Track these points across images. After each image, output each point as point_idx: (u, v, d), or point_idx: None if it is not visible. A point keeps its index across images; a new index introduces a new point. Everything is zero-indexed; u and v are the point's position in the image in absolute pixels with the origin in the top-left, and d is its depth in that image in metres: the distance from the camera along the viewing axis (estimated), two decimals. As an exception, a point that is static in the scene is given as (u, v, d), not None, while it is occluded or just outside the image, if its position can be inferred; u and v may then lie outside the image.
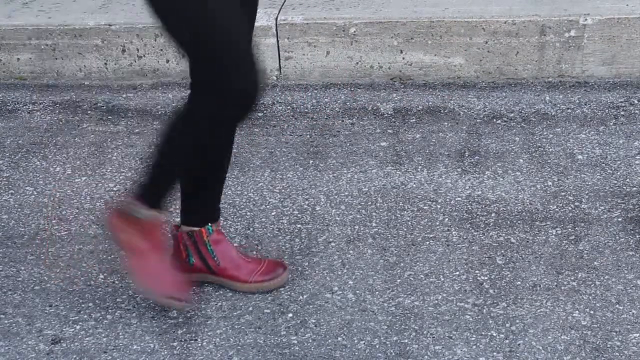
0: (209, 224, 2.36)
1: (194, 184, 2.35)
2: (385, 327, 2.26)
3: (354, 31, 3.53)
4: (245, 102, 2.06)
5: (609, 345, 2.16)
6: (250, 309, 2.34)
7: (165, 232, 2.40)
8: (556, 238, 2.57)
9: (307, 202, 2.80)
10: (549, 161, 2.96)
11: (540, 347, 2.17)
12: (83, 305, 2.38)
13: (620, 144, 3.04)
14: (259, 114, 3.36)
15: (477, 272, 2.44)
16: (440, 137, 3.14)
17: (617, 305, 2.30)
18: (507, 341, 2.19)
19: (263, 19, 3.57)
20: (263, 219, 2.72)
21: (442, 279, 2.42)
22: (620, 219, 2.64)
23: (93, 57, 3.68)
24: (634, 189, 2.79)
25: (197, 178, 2.34)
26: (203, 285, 2.43)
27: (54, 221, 2.76)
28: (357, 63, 3.58)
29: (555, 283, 2.39)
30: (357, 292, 2.39)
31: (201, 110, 2.11)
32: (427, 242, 2.57)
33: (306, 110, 3.38)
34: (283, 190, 2.87)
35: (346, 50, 3.56)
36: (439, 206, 2.74)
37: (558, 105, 3.32)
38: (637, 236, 2.56)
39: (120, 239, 2.29)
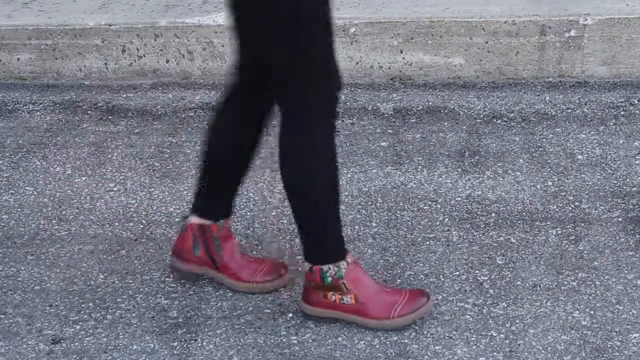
0: (221, 220, 2.35)
1: (219, 179, 2.32)
2: (385, 327, 2.26)
3: (354, 31, 3.53)
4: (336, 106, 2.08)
5: (609, 345, 2.16)
6: (250, 309, 2.34)
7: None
8: (556, 238, 2.57)
9: (307, 202, 2.80)
10: (549, 161, 2.95)
11: (540, 347, 2.17)
12: (83, 305, 2.38)
13: (620, 144, 3.04)
14: (259, 114, 3.36)
15: (477, 272, 2.44)
16: (440, 137, 3.14)
17: (617, 305, 2.30)
18: (507, 341, 2.19)
19: (263, 19, 3.56)
20: (263, 219, 2.72)
21: (442, 279, 2.42)
22: (620, 219, 2.64)
23: (93, 57, 3.68)
24: (634, 189, 2.79)
25: (222, 174, 2.31)
26: (203, 285, 2.43)
27: (54, 221, 2.76)
28: (357, 63, 3.58)
29: (555, 283, 2.39)
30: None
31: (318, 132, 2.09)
32: (427, 242, 2.57)
33: (306, 110, 3.38)
34: (283, 190, 2.86)
35: (346, 50, 3.56)
36: (439, 206, 2.74)
37: (558, 105, 3.32)
38: (637, 236, 2.56)
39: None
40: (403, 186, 2.86)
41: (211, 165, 2.30)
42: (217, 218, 2.34)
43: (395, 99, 3.44)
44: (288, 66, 2.02)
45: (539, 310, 2.29)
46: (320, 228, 2.16)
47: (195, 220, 2.36)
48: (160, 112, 3.43)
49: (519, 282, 2.40)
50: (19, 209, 2.83)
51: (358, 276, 2.20)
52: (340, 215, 2.18)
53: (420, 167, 2.96)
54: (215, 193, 2.34)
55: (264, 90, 2.18)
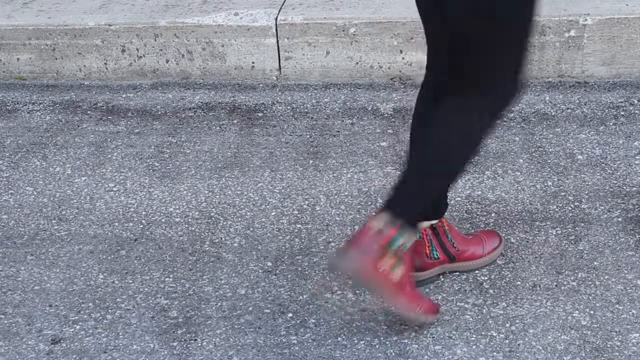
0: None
1: (449, 179, 2.19)
2: (385, 327, 2.26)
3: (354, 31, 3.53)
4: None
5: (609, 345, 2.16)
6: (250, 309, 2.34)
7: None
8: (556, 238, 2.57)
9: (307, 202, 2.80)
10: (549, 161, 2.95)
11: (540, 347, 2.17)
12: (83, 305, 2.38)
13: (620, 144, 3.04)
14: (259, 114, 3.36)
15: (477, 272, 2.44)
16: (440, 137, 3.14)
17: (617, 305, 2.30)
18: (507, 341, 2.19)
19: (263, 19, 3.57)
20: (263, 219, 2.72)
21: (442, 279, 2.42)
22: (620, 219, 2.64)
23: (93, 57, 3.68)
24: (634, 189, 2.79)
25: (456, 174, 2.20)
26: (203, 285, 2.43)
27: (53, 221, 2.76)
28: (357, 63, 3.58)
29: (555, 283, 2.39)
30: (357, 292, 2.39)
31: (483, 109, 2.07)
32: (427, 242, 2.57)
33: (306, 110, 3.38)
34: (283, 190, 2.87)
35: (346, 50, 3.56)
36: (438, 206, 2.74)
37: (558, 105, 3.32)
38: (637, 236, 2.56)
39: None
40: (403, 186, 2.86)
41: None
42: (442, 213, 2.36)
43: (395, 99, 3.44)
44: (485, 52, 1.99)
45: (538, 310, 2.29)
46: (443, 187, 2.23)
47: (425, 224, 2.32)
48: (160, 112, 3.43)
49: (519, 282, 2.40)
50: (19, 209, 2.83)
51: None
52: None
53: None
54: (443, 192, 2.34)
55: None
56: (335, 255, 2.12)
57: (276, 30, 3.56)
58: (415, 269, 2.31)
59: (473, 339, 2.21)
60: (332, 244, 2.58)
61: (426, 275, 2.37)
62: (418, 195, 2.11)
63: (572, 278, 2.40)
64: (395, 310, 2.14)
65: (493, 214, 2.69)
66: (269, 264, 2.52)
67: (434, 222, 2.34)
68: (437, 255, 2.37)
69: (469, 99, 2.05)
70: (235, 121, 3.32)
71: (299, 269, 2.48)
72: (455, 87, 2.07)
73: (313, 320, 2.29)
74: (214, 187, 2.90)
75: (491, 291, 2.37)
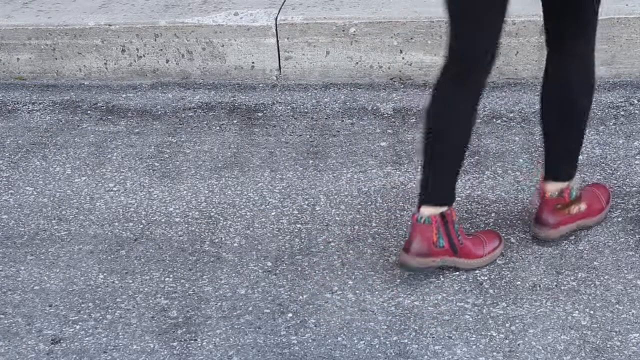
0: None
1: (453, 162, 2.38)
2: (385, 327, 2.26)
3: (354, 31, 3.53)
4: None
5: (608, 345, 2.16)
6: (250, 309, 2.34)
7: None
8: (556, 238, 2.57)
9: (307, 202, 2.80)
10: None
11: (540, 347, 2.17)
12: (83, 305, 2.38)
13: (620, 144, 3.04)
14: (259, 114, 3.36)
15: (477, 272, 2.44)
16: (440, 137, 3.14)
17: (617, 305, 2.30)
18: (507, 341, 2.19)
19: (263, 19, 3.57)
20: (263, 219, 2.72)
21: (442, 279, 2.42)
22: (620, 219, 2.64)
23: (93, 57, 3.68)
24: (634, 189, 2.79)
25: (457, 156, 2.37)
26: (203, 285, 2.43)
27: (53, 221, 2.76)
28: (357, 63, 3.58)
29: (555, 283, 2.39)
30: (357, 292, 2.39)
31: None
32: (427, 242, 2.57)
33: (306, 110, 3.38)
34: (283, 190, 2.87)
35: (346, 50, 3.56)
36: (438, 206, 2.74)
37: (558, 105, 3.32)
38: (637, 236, 2.56)
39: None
40: (403, 186, 2.86)
41: (447, 149, 2.33)
42: (451, 202, 2.38)
43: (395, 99, 3.44)
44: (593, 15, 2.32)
45: (538, 310, 2.29)
46: (578, 146, 2.49)
47: (433, 210, 2.36)
48: (160, 112, 3.43)
49: (519, 282, 2.40)
50: (19, 209, 2.83)
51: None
52: None
53: (420, 167, 2.96)
54: (449, 177, 2.37)
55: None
56: (535, 226, 2.52)
57: (276, 30, 3.56)
58: (420, 255, 2.34)
59: (473, 339, 2.21)
60: (332, 244, 2.59)
61: (429, 262, 2.37)
62: (573, 155, 2.49)
63: (572, 278, 2.40)
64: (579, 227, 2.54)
65: (493, 214, 2.69)
66: (269, 264, 2.52)
67: (444, 209, 2.35)
68: (442, 243, 2.37)
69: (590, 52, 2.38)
70: (235, 121, 3.32)
71: (299, 269, 2.48)
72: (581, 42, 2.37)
73: (313, 320, 2.29)
74: (214, 187, 2.90)
75: (491, 291, 2.37)
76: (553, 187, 2.49)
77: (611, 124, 3.17)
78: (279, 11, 3.62)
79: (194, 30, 3.59)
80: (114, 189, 2.93)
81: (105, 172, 3.02)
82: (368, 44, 3.54)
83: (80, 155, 3.14)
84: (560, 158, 2.50)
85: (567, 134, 2.45)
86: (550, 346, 2.17)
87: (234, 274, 2.48)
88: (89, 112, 3.46)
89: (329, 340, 2.22)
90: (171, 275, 2.48)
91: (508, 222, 2.65)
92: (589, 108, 2.45)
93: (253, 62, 3.61)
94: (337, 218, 2.71)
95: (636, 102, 3.33)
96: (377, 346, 2.19)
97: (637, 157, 2.96)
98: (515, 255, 2.50)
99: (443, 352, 2.17)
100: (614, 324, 2.23)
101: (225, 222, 2.71)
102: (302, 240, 2.61)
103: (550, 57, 2.39)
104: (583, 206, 2.54)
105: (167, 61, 3.65)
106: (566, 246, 2.53)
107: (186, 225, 2.71)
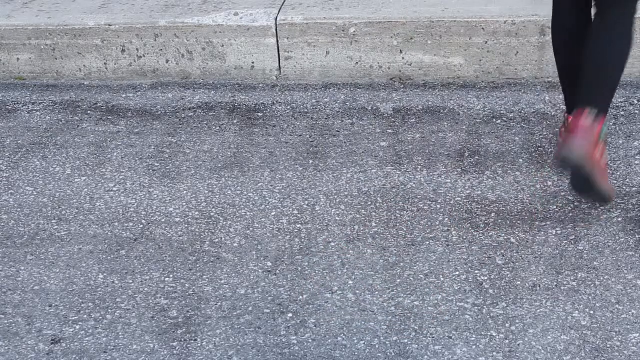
0: None
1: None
2: (385, 327, 2.26)
3: (354, 31, 3.53)
4: None
5: (608, 345, 2.16)
6: (250, 309, 2.34)
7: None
8: (556, 238, 2.57)
9: (307, 202, 2.80)
10: (549, 161, 2.95)
11: (540, 347, 2.17)
12: (83, 305, 2.38)
13: (620, 144, 3.04)
14: (259, 114, 3.36)
15: (477, 272, 2.44)
16: (440, 137, 3.14)
17: (617, 305, 2.30)
18: (507, 341, 2.19)
19: (263, 19, 3.57)
20: (263, 219, 2.72)
21: (442, 279, 2.42)
22: (620, 219, 2.64)
23: (93, 57, 3.68)
24: (634, 189, 2.79)
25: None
26: (203, 285, 2.43)
27: (53, 221, 2.76)
28: (357, 63, 3.58)
29: (555, 283, 2.39)
30: (357, 292, 2.39)
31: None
32: (427, 242, 2.57)
33: (306, 110, 3.38)
34: (283, 190, 2.87)
35: (346, 50, 3.56)
36: (438, 206, 2.74)
37: (558, 105, 3.32)
38: (637, 236, 2.56)
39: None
40: (403, 186, 2.86)
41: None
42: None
43: (395, 99, 3.44)
44: None
45: (538, 311, 2.29)
46: (614, 86, 2.61)
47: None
48: (160, 112, 3.43)
49: (519, 282, 2.40)
50: (19, 209, 2.83)
51: None
52: None
53: (420, 167, 2.96)
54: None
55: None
56: (562, 149, 2.47)
57: (276, 30, 3.56)
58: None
59: (473, 339, 2.21)
60: (332, 244, 2.59)
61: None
62: (611, 92, 2.58)
63: (572, 278, 2.40)
64: (599, 188, 2.54)
65: (493, 214, 2.69)
66: (269, 264, 2.52)
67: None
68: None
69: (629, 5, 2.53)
70: (235, 121, 3.32)
71: (299, 269, 2.49)
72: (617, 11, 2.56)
73: (313, 320, 2.29)
74: (214, 187, 2.90)
75: (491, 291, 2.37)
76: (589, 113, 2.50)
77: (611, 124, 3.17)
78: (279, 11, 3.62)
79: (194, 30, 3.59)
80: (114, 189, 2.93)
81: (105, 172, 3.02)
82: (368, 44, 3.54)
83: (80, 155, 3.14)
84: (596, 87, 2.56)
85: (605, 67, 2.57)
86: (550, 346, 2.17)
87: (234, 274, 2.48)
88: (89, 112, 3.46)
89: (329, 341, 2.22)
90: (171, 276, 2.48)
91: (508, 222, 2.65)
92: (625, 59, 2.58)
93: (253, 62, 3.62)
94: (337, 218, 2.71)
95: (636, 102, 3.33)
96: (377, 346, 2.19)
97: (637, 157, 2.97)
98: (515, 255, 2.50)
99: (443, 352, 2.17)
100: (614, 324, 2.23)
101: (225, 222, 2.71)
102: (302, 240, 2.61)
103: (595, 17, 2.61)
104: (603, 162, 2.55)
105: (167, 61, 3.65)
106: (566, 246, 2.53)
107: (186, 226, 2.71)
